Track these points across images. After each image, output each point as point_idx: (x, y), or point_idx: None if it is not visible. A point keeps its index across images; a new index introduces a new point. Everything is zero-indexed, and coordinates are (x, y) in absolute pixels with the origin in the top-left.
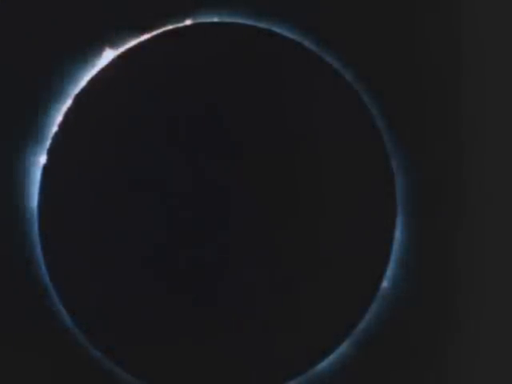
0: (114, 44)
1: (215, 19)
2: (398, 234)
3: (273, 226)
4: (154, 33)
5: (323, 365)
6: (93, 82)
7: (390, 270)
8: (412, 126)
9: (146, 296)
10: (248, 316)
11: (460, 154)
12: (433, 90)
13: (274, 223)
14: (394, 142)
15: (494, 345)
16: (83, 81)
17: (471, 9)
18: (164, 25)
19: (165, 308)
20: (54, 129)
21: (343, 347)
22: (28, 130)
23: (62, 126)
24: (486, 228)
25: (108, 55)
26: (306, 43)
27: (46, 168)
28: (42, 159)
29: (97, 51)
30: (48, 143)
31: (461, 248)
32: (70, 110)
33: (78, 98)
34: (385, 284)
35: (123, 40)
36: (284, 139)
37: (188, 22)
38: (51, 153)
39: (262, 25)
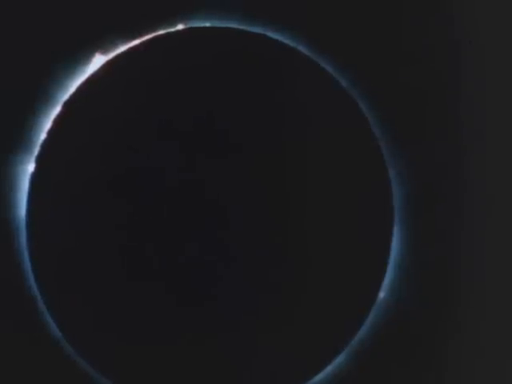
0: (104, 49)
1: (207, 24)
2: (395, 244)
3: (266, 235)
4: (145, 38)
5: (320, 376)
6: (82, 88)
7: (388, 280)
8: (410, 133)
9: (136, 306)
10: (243, 326)
11: (458, 162)
12: (431, 98)
13: (268, 231)
14: (390, 150)
15: (494, 357)
16: (73, 87)
17: (471, 11)
18: (155, 30)
19: (155, 321)
20: (43, 136)
21: (340, 358)
22: (16, 138)
23: (51, 133)
24: (485, 237)
25: (98, 61)
26: (301, 48)
27: (34, 176)
28: (31, 167)
29: (86, 56)
30: (36, 151)
31: (459, 257)
32: (59, 116)
33: (68, 105)
34: (382, 294)
35: (113, 45)
36: (278, 146)
37: (180, 27)
38: (40, 160)
39: (256, 30)
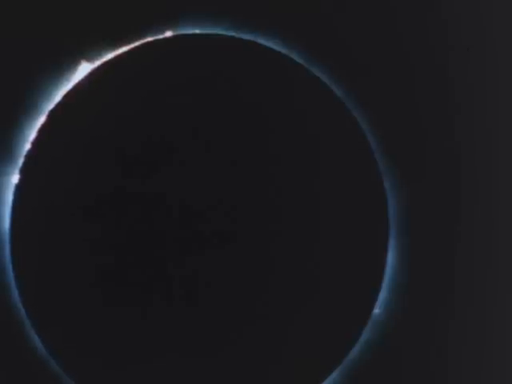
0: (89, 57)
1: (197, 31)
2: (390, 258)
3: (261, 249)
4: (132, 45)
5: None
6: (68, 96)
7: (383, 295)
8: (405, 144)
9: (123, 321)
10: (238, 343)
11: (454, 175)
12: (426, 108)
13: (262, 245)
14: (386, 163)
15: (494, 357)
16: (58, 95)
17: (469, 18)
18: (143, 37)
19: (142, 337)
20: (27, 146)
21: (335, 374)
22: None
23: (36, 143)
24: (482, 249)
25: (84, 69)
26: (294, 56)
27: (18, 188)
28: (14, 179)
29: (72, 64)
30: (20, 162)
31: (456, 272)
32: (43, 126)
33: (52, 114)
34: (377, 310)
35: (99, 53)
36: (270, 156)
37: (168, 34)
38: (24, 172)
39: (247, 36)
